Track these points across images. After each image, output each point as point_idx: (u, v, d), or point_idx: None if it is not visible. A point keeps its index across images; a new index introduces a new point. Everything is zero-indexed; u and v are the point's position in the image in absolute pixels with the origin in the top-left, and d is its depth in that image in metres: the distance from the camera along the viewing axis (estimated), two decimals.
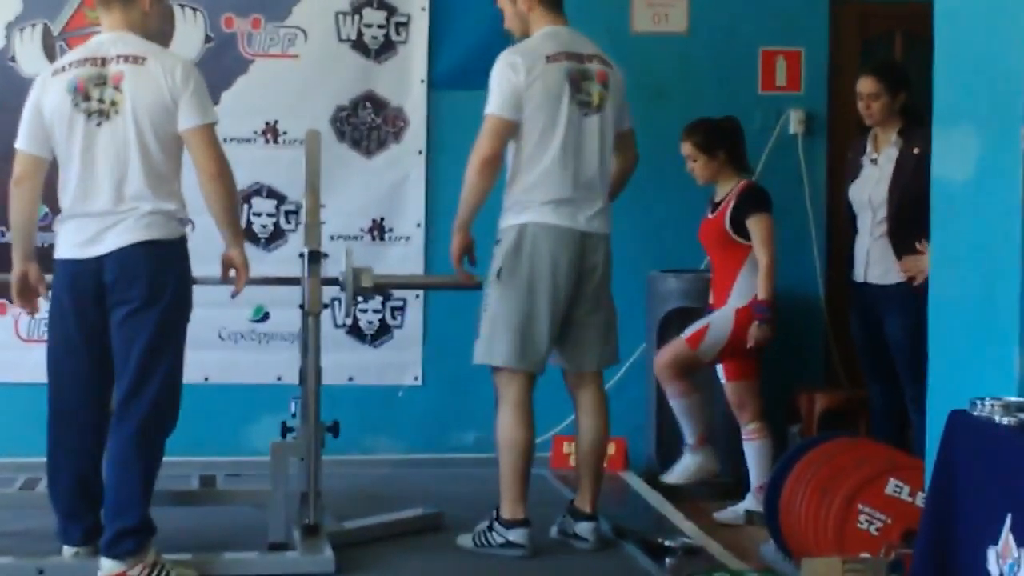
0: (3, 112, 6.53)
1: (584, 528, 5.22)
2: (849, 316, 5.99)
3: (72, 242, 4.66)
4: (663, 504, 6.05)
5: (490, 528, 5.13)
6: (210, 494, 5.37)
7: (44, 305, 4.93)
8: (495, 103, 5.08)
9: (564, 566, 5.01)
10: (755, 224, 5.67)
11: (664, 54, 6.76)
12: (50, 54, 6.56)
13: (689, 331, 5.81)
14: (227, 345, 6.71)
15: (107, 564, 4.59)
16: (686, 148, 5.86)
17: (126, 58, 4.64)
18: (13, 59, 6.57)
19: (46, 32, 6.62)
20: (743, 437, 5.85)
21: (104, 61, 4.65)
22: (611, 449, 6.43)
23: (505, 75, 5.07)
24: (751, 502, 5.79)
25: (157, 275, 4.64)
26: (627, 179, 5.46)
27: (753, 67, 6.96)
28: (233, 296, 4.97)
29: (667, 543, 5.22)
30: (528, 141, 5.08)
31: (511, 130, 5.07)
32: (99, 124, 4.62)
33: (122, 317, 4.62)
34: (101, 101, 4.62)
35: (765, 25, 6.95)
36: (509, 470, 5.11)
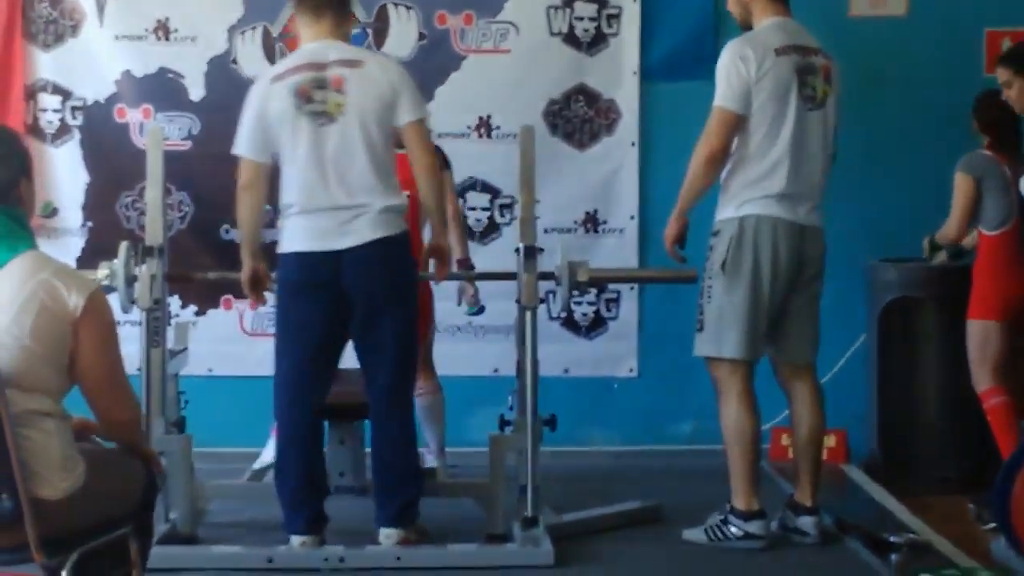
0: (226, 111, 6.74)
1: (806, 522, 5.13)
2: None
3: (306, 236, 4.79)
4: (887, 498, 5.93)
5: (725, 521, 5.08)
6: (430, 486, 5.41)
7: (268, 298, 5.12)
8: (725, 96, 5.00)
9: (786, 561, 4.93)
10: None
11: (883, 38, 6.60)
12: (270, 56, 6.73)
13: None
14: (444, 337, 6.76)
15: (394, 532, 4.84)
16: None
17: (344, 62, 4.80)
18: (235, 61, 6.75)
19: (266, 34, 6.78)
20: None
21: (322, 66, 4.79)
22: (831, 441, 6.35)
23: (735, 67, 4.99)
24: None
25: (395, 271, 4.84)
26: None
27: (978, 49, 6.74)
28: (436, 283, 5.13)
29: (892, 538, 5.10)
30: (755, 135, 5.00)
31: (740, 124, 5.00)
32: (323, 125, 4.76)
33: (367, 314, 4.79)
34: (324, 103, 4.75)
35: (990, 4, 6.73)
36: (740, 461, 5.06)
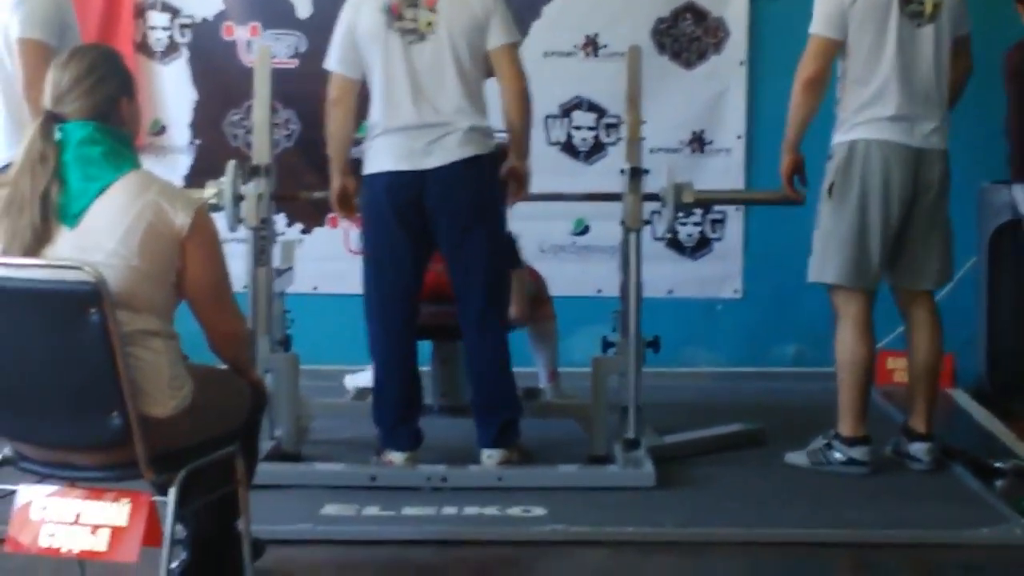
0: (332, 29, 6.74)
1: (919, 449, 5.08)
2: None
3: (393, 156, 4.78)
4: (993, 423, 5.86)
5: (828, 446, 5.05)
6: (533, 407, 5.43)
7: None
8: (818, 22, 4.94)
9: (889, 485, 4.88)
10: None
11: None
12: None
13: None
14: (547, 258, 6.77)
15: (496, 453, 4.88)
16: None
17: None
18: None
19: None
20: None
21: None
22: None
23: None
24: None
25: (481, 190, 4.83)
26: (960, 90, 5.18)
27: None
28: (510, 206, 5.03)
29: (998, 464, 5.06)
30: (856, 59, 4.92)
31: (835, 49, 4.92)
32: (412, 43, 4.76)
33: (454, 234, 4.79)
34: (414, 20, 4.75)
35: None
36: (850, 387, 5.01)
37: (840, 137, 5.00)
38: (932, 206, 5.03)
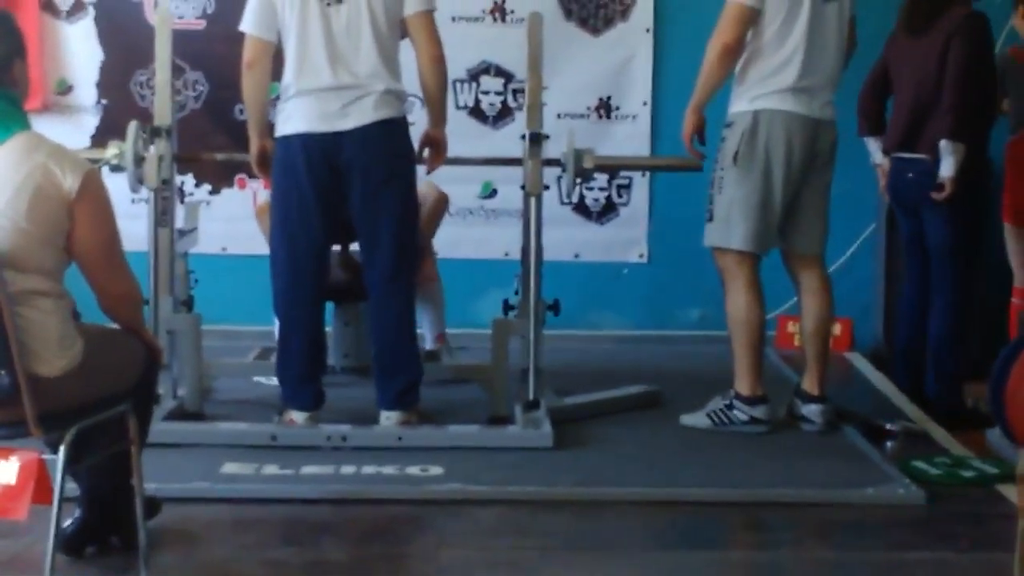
0: None
1: (812, 410, 5.19)
2: None
3: (308, 117, 4.79)
4: (888, 386, 5.98)
5: (730, 407, 5.15)
6: (435, 369, 5.49)
7: None
8: None
9: (781, 447, 4.97)
10: None
11: None
12: None
13: None
14: (455, 221, 6.81)
15: (394, 415, 4.92)
16: None
17: None
18: None
19: None
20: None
21: None
22: (837, 329, 6.39)
23: None
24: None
25: (395, 153, 4.86)
26: (845, 65, 5.27)
27: None
28: (428, 173, 5.14)
29: (889, 426, 5.18)
30: (769, 27, 4.99)
31: (754, 17, 4.98)
32: (329, 4, 4.76)
33: (367, 195, 4.81)
34: None
35: None
36: (745, 349, 5.12)
37: (743, 106, 5.07)
38: (822, 173, 5.15)
